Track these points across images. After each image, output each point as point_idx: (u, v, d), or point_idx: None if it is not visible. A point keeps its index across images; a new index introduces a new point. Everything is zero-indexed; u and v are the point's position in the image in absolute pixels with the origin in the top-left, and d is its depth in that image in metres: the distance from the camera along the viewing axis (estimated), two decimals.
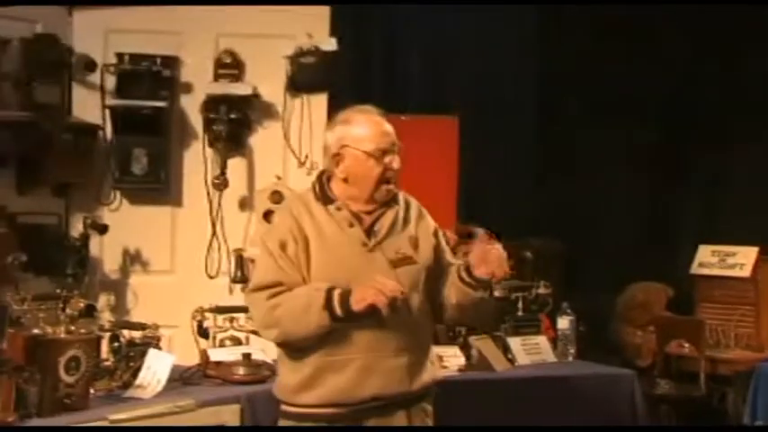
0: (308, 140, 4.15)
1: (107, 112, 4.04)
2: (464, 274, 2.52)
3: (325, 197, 2.56)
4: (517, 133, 5.61)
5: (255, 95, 4.12)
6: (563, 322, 3.96)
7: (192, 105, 4.14)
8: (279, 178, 4.05)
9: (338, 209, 2.53)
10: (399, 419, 2.52)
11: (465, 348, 3.68)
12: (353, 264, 2.48)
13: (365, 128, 2.54)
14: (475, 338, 3.68)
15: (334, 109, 4.25)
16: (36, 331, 2.64)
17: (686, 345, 4.77)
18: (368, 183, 2.53)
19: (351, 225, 2.52)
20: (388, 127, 2.58)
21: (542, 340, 3.92)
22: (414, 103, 5.32)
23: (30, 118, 3.72)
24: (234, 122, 4.06)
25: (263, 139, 4.19)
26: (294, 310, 2.43)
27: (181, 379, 3.08)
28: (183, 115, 4.16)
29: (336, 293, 2.40)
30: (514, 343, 3.82)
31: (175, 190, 4.18)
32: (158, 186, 4.09)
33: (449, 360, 3.60)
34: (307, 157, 4.14)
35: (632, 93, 5.49)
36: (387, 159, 2.53)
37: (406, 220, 2.59)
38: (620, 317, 5.26)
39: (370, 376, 2.47)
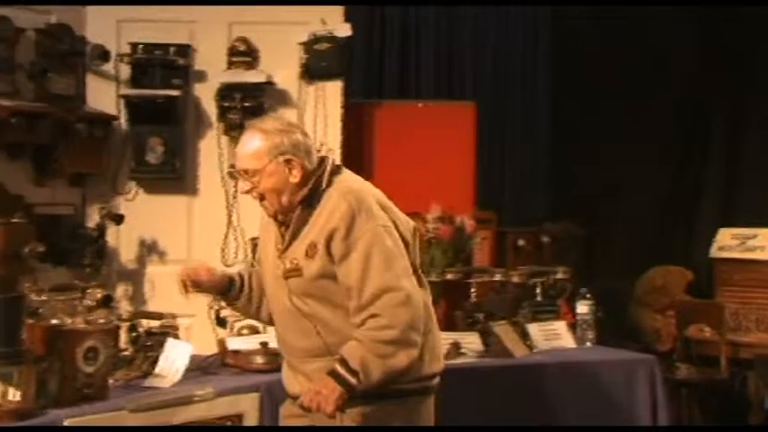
0: (322, 128, 4.13)
1: (121, 101, 4.04)
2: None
3: None
4: (534, 117, 5.58)
5: (270, 83, 4.10)
6: (582, 307, 3.93)
7: (206, 94, 4.13)
8: None
9: None
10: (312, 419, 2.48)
11: (484, 334, 3.66)
12: (269, 269, 2.55)
13: None
14: (494, 324, 3.66)
15: (348, 96, 4.26)
16: (54, 322, 2.64)
17: (706, 329, 4.74)
18: None
19: (278, 230, 2.55)
20: (241, 148, 2.52)
21: (561, 326, 3.89)
22: (429, 88, 5.29)
23: (45, 108, 3.73)
24: (248, 110, 4.04)
25: None
26: None
27: (199, 368, 3.08)
28: (198, 104, 4.16)
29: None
30: (533, 329, 3.80)
31: (191, 179, 4.17)
32: (173, 176, 4.09)
33: (467, 346, 3.59)
34: (322, 144, 4.12)
35: (650, 75, 5.43)
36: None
37: (313, 226, 2.46)
38: (639, 301, 5.23)
39: (294, 375, 2.55)
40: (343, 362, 2.36)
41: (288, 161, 2.46)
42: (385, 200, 2.53)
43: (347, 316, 2.43)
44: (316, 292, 2.45)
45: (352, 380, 2.35)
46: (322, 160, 2.54)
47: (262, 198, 2.49)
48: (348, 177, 2.55)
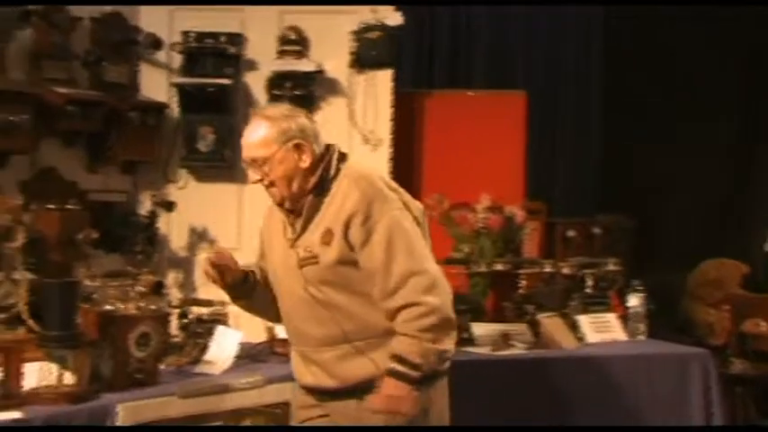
0: (372, 116, 4.12)
1: (173, 90, 4.07)
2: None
3: None
4: (586, 107, 5.51)
5: (320, 72, 4.10)
6: (633, 300, 3.88)
7: (256, 82, 4.15)
8: None
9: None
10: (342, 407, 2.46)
11: (533, 326, 3.63)
12: (279, 260, 2.49)
13: None
14: (543, 316, 3.63)
15: (398, 84, 4.25)
16: (107, 307, 2.68)
17: (762, 323, 4.64)
18: None
19: (286, 219, 2.50)
20: (248, 137, 2.47)
21: (612, 318, 3.84)
22: (480, 78, 5.25)
23: (99, 97, 3.78)
24: (298, 99, 4.04)
25: (328, 115, 4.17)
26: None
27: (248, 356, 3.10)
28: (248, 92, 4.17)
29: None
30: (583, 320, 3.76)
31: (241, 167, 4.16)
32: (224, 164, 4.12)
33: (517, 337, 3.56)
34: (372, 132, 4.11)
35: (703, 66, 5.34)
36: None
37: (326, 213, 2.42)
38: (692, 294, 5.14)
39: (306, 365, 2.49)
40: (402, 360, 2.33)
41: (297, 146, 2.42)
42: (393, 184, 2.51)
43: (365, 303, 2.40)
44: (333, 278, 2.40)
45: (416, 374, 2.33)
46: (328, 147, 2.51)
47: (270, 185, 2.45)
48: (355, 164, 2.53)
